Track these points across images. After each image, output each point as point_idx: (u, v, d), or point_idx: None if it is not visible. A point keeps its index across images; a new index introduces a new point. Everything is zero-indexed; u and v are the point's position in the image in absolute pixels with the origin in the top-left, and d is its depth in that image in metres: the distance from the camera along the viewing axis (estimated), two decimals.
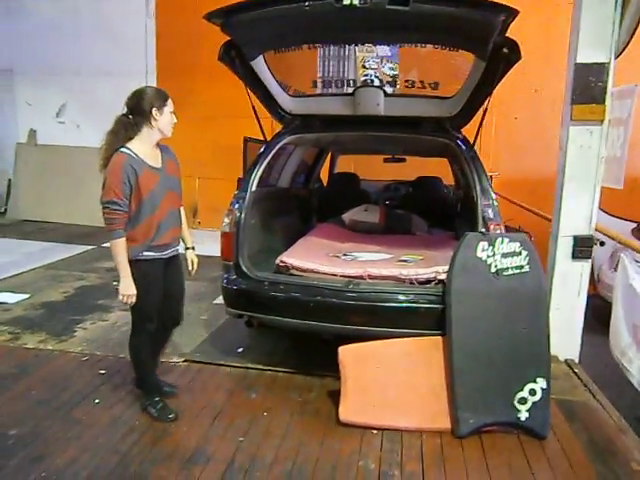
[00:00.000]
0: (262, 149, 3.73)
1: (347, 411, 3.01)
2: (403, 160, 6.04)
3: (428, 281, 3.31)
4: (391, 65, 4.22)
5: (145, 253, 2.78)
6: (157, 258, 2.84)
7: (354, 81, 3.69)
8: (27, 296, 4.98)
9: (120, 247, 2.67)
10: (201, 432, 2.93)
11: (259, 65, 3.44)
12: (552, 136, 7.49)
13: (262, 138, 3.93)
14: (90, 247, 7.05)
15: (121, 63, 8.28)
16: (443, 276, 3.24)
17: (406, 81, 3.54)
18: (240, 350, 3.92)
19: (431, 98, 3.59)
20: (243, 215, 3.47)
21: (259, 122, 3.71)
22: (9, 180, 9.03)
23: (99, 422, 3.00)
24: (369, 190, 5.83)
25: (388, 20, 2.84)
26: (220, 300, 5.05)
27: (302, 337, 3.84)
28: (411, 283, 3.31)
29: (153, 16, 8.47)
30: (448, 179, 5.99)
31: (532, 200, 6.31)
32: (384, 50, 4.23)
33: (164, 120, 2.72)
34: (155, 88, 2.81)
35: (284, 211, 4.48)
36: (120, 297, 2.74)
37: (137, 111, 2.69)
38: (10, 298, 4.89)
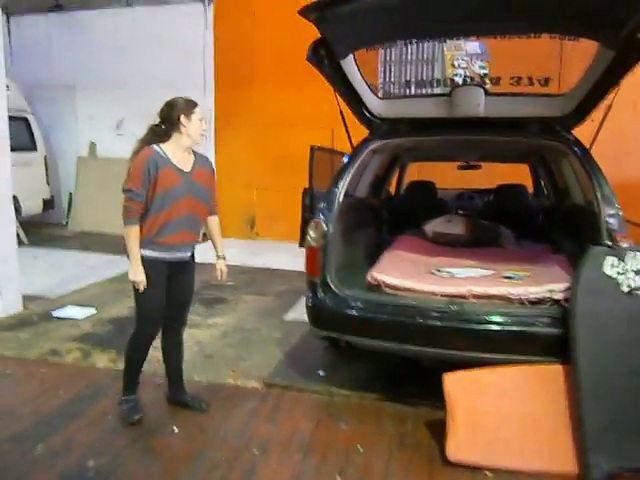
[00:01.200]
0: (349, 156, 3.44)
1: (457, 448, 2.66)
2: (479, 167, 5.65)
3: (540, 301, 2.95)
4: (481, 63, 3.90)
5: (147, 251, 2.79)
6: (160, 259, 2.84)
7: (451, 80, 3.37)
8: (94, 311, 4.84)
9: (132, 234, 2.76)
10: (293, 468, 2.65)
11: (349, 64, 3.16)
12: (634, 139, 7.01)
13: (330, 146, 3.70)
14: None
15: (179, 76, 8.17)
16: (559, 295, 2.88)
17: (511, 78, 3.19)
18: (322, 373, 3.63)
19: (538, 96, 3.23)
20: (331, 228, 3.19)
21: (347, 129, 3.45)
22: (70, 194, 9.13)
23: (180, 454, 2.76)
24: (445, 199, 5.46)
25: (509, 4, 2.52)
26: (292, 317, 4.83)
27: (388, 359, 3.52)
28: (521, 303, 2.95)
29: (211, 28, 8.40)
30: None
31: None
32: (473, 47, 3.92)
33: (192, 127, 2.83)
34: (185, 98, 2.88)
35: (362, 223, 4.18)
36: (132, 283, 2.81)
37: (167, 120, 2.83)
38: (78, 313, 4.76)
